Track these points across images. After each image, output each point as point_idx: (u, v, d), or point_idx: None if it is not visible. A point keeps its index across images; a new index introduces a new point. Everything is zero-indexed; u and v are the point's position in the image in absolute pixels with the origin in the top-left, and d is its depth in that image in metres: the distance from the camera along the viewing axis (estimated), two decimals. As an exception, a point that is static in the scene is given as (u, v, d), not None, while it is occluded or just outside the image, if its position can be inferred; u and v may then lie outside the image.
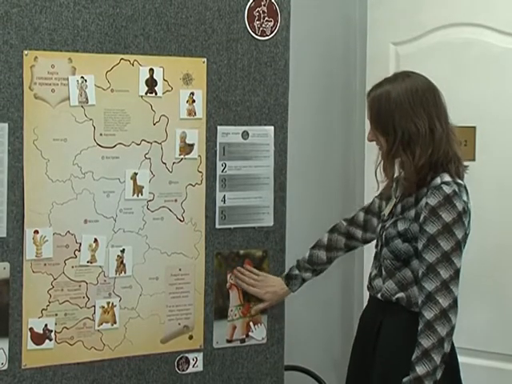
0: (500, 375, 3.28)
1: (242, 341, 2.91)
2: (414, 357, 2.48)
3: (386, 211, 2.72)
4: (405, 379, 2.49)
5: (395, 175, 2.75)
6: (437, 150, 2.57)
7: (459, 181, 2.58)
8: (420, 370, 2.46)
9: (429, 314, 2.48)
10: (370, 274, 2.74)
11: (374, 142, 2.69)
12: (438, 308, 2.47)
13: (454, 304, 2.50)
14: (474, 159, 3.29)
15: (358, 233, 2.93)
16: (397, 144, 2.56)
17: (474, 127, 3.30)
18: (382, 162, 2.62)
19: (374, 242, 2.79)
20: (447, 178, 2.55)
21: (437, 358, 2.47)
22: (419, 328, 2.49)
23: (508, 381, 3.26)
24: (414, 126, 2.55)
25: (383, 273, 2.64)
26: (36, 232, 2.58)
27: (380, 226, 2.72)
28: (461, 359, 2.63)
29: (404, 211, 2.62)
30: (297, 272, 2.92)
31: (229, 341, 2.88)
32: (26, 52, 2.55)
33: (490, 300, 3.26)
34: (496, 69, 3.29)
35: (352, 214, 2.97)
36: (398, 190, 2.73)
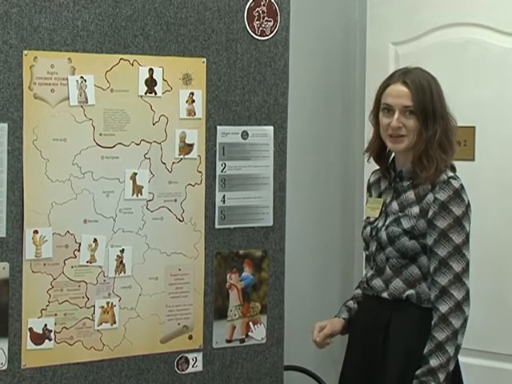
0: (500, 375, 3.28)
1: (242, 341, 2.91)
2: (426, 350, 2.50)
3: (374, 213, 2.69)
4: (417, 372, 2.50)
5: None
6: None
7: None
8: (433, 362, 2.48)
9: (443, 308, 2.50)
10: (366, 274, 2.74)
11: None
12: (453, 301, 2.50)
13: (467, 296, 2.53)
14: (473, 159, 3.28)
15: None
16: (439, 133, 2.57)
17: (474, 127, 3.30)
18: (425, 149, 2.57)
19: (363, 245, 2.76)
20: (450, 172, 2.60)
21: (450, 350, 2.49)
22: (433, 322, 2.51)
23: (508, 381, 3.26)
24: (450, 117, 2.62)
25: (387, 271, 2.63)
26: (35, 232, 2.58)
27: (369, 228, 2.70)
28: (461, 359, 2.63)
29: (404, 208, 2.61)
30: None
31: (228, 341, 2.88)
32: (25, 52, 2.55)
33: (490, 300, 3.25)
34: (496, 69, 3.29)
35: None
36: (383, 185, 2.72)
